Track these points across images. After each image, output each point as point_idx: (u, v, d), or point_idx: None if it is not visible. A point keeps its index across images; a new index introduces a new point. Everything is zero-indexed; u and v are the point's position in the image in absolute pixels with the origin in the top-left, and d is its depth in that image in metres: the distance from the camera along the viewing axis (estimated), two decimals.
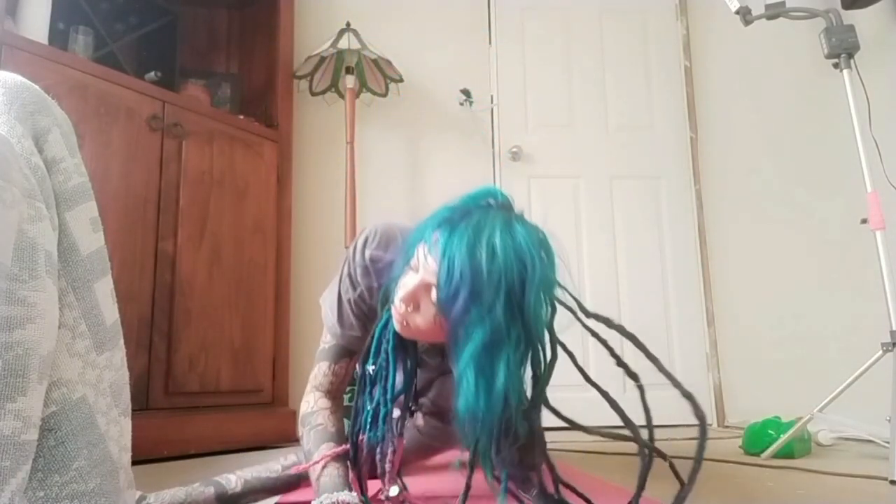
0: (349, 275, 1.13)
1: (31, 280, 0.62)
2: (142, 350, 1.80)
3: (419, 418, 1.27)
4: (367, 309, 1.12)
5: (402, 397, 1.04)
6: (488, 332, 0.81)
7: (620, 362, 0.90)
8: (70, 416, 0.67)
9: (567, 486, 0.93)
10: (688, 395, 0.87)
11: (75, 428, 0.67)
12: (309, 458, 1.02)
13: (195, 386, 1.93)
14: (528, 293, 0.84)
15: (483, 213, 0.88)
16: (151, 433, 1.74)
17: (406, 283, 0.91)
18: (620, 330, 0.91)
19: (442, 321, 0.87)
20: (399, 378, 1.04)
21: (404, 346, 1.02)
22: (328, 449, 1.01)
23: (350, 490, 0.96)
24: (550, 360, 0.91)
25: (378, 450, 1.01)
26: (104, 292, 0.76)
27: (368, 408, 1.01)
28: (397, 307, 0.93)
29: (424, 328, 0.92)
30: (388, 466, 1.01)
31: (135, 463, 0.79)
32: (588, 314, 0.92)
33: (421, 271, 0.89)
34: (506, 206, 0.92)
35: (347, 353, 1.13)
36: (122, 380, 0.78)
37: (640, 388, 0.90)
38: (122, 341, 0.79)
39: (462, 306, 0.81)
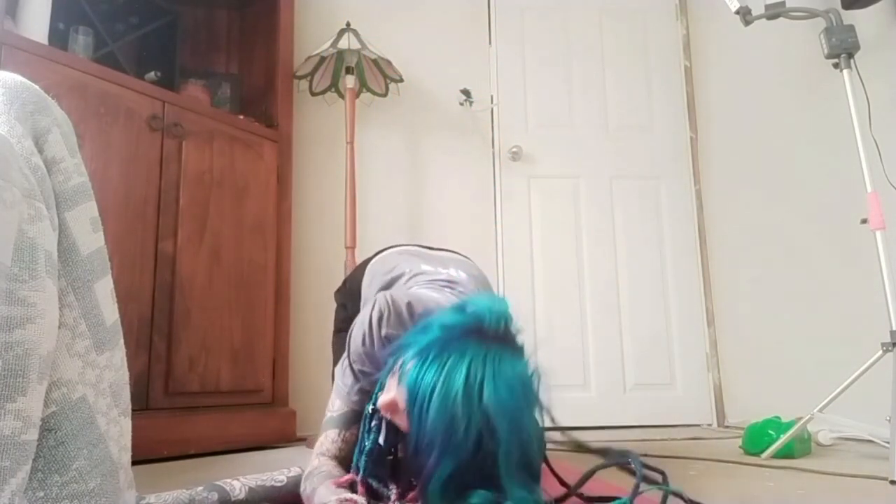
0: (365, 352, 1.12)
1: (31, 280, 0.62)
2: (142, 350, 1.80)
3: None
4: None
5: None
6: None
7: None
8: (70, 417, 0.67)
9: None
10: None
11: (75, 428, 0.67)
12: (310, 498, 1.01)
13: (195, 386, 1.93)
14: (505, 462, 0.82)
15: (460, 349, 0.86)
16: (151, 433, 1.74)
17: (387, 390, 0.94)
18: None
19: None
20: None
21: None
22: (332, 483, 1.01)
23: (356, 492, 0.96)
24: None
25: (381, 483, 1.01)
26: (104, 292, 0.76)
27: (367, 444, 1.02)
28: (380, 404, 0.95)
29: (405, 428, 0.93)
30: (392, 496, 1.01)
31: (135, 463, 0.79)
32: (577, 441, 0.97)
33: (395, 391, 0.91)
34: (496, 336, 0.89)
35: (358, 418, 1.11)
36: (122, 380, 0.78)
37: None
38: (122, 341, 0.79)
39: (434, 461, 0.82)
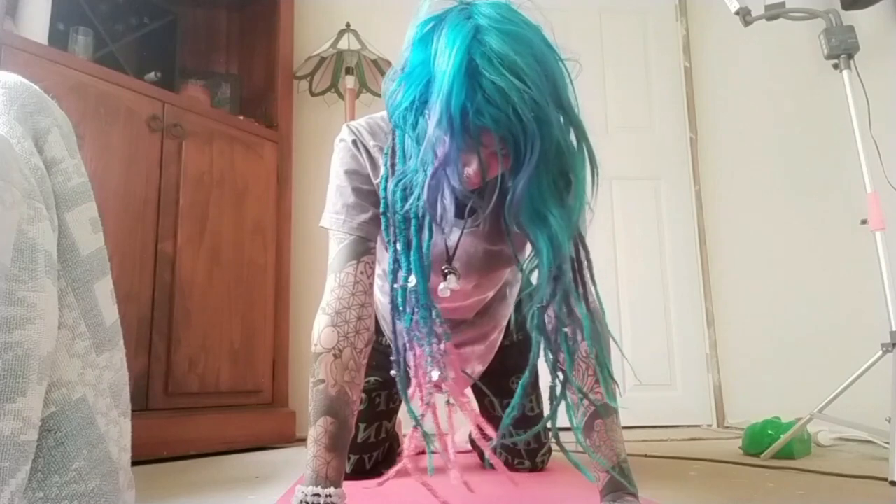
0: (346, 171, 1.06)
1: (31, 280, 0.62)
2: (142, 350, 1.80)
3: (452, 281, 1.11)
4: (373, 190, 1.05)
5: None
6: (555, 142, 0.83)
7: None
8: (70, 417, 0.67)
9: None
10: None
11: (75, 428, 0.67)
12: (311, 420, 0.93)
13: (195, 386, 1.93)
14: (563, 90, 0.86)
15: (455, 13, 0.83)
16: (151, 433, 1.74)
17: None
18: None
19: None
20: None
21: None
22: (325, 424, 0.91)
23: (336, 487, 0.89)
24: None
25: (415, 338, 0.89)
26: (104, 293, 0.76)
27: (397, 286, 0.90)
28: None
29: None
30: (433, 349, 0.89)
31: (134, 463, 0.79)
32: None
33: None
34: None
35: (355, 252, 1.00)
36: (122, 380, 0.78)
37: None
38: (121, 342, 0.79)
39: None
